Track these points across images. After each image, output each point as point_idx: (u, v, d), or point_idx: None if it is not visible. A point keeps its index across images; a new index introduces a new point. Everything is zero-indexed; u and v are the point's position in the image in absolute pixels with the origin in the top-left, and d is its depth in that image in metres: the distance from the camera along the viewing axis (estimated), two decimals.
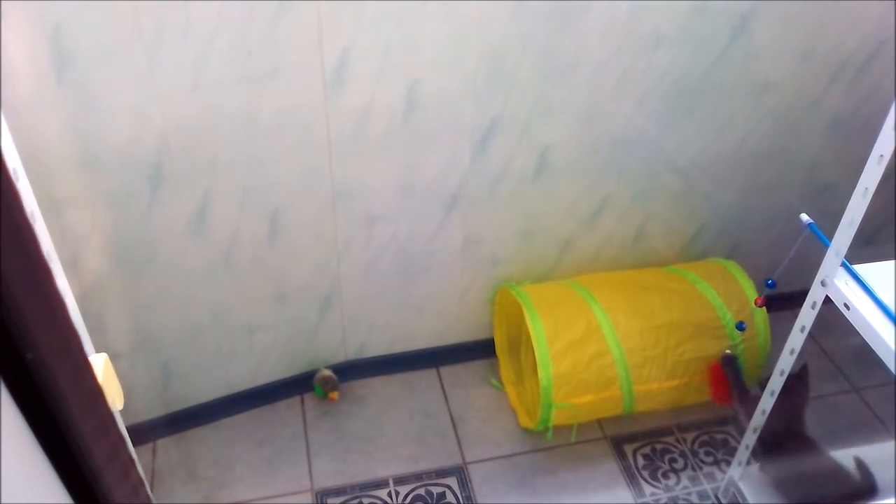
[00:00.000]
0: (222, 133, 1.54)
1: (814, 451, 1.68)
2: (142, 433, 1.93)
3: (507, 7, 1.53)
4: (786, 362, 1.55)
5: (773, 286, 1.59)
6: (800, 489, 1.72)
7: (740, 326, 1.82)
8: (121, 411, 0.89)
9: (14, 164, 0.92)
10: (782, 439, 1.70)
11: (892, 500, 1.23)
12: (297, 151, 1.63)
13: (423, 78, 1.59)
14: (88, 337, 1.07)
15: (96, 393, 0.50)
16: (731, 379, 1.82)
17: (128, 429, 1.34)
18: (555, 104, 1.72)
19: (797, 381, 1.65)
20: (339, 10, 1.45)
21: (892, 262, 1.41)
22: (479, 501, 1.87)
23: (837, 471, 1.64)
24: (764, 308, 1.92)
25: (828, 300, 1.40)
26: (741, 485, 1.80)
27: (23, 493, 0.48)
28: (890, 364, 1.24)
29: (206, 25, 1.39)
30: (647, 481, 1.93)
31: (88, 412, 0.48)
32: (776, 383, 1.60)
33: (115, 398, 0.76)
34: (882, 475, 1.60)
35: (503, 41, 1.58)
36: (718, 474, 1.95)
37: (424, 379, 2.17)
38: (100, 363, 0.72)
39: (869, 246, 2.10)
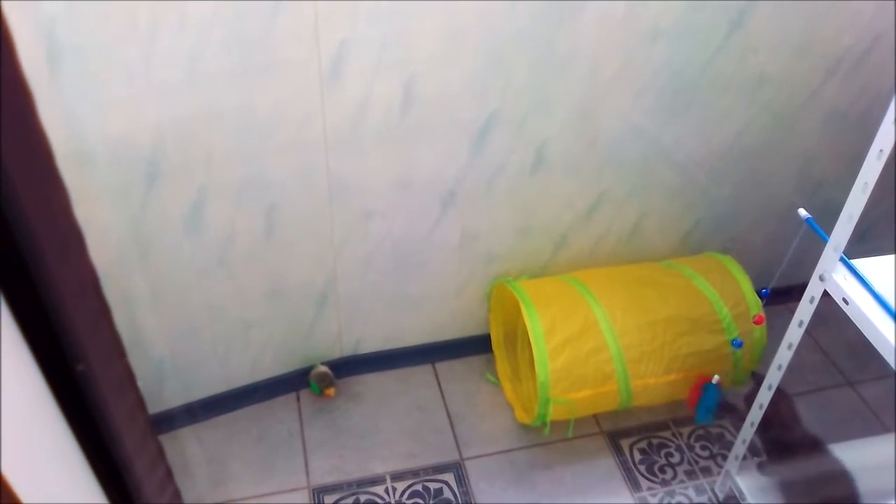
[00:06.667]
0: (218, 128, 1.53)
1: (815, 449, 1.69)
2: None
3: (505, 1, 1.52)
4: (783, 357, 1.56)
5: (766, 295, 1.62)
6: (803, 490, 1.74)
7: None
8: None
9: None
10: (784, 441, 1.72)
11: (893, 502, 1.23)
12: (293, 146, 1.62)
13: (420, 72, 1.58)
14: None
15: (138, 405, 0.49)
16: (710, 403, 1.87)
17: None
18: (552, 99, 1.72)
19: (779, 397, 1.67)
20: (336, 3, 1.44)
21: (890, 256, 1.41)
22: (476, 497, 1.87)
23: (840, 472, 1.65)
24: (759, 301, 1.92)
25: (825, 295, 1.40)
26: (738, 479, 1.80)
27: (64, 492, 0.47)
28: (889, 359, 1.24)
29: (201, 19, 1.37)
30: (643, 476, 1.93)
31: (130, 424, 0.47)
32: (774, 378, 1.60)
33: None
34: (880, 473, 1.61)
35: (501, 35, 1.58)
36: (715, 468, 1.95)
37: (421, 375, 2.17)
38: None
39: (862, 241, 2.11)
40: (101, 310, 0.46)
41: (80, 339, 0.42)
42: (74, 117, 1.39)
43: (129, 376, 0.48)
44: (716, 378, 1.83)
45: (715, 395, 1.85)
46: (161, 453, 0.53)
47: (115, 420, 0.46)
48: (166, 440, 1.96)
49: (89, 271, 0.44)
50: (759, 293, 1.73)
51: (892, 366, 1.23)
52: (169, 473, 0.55)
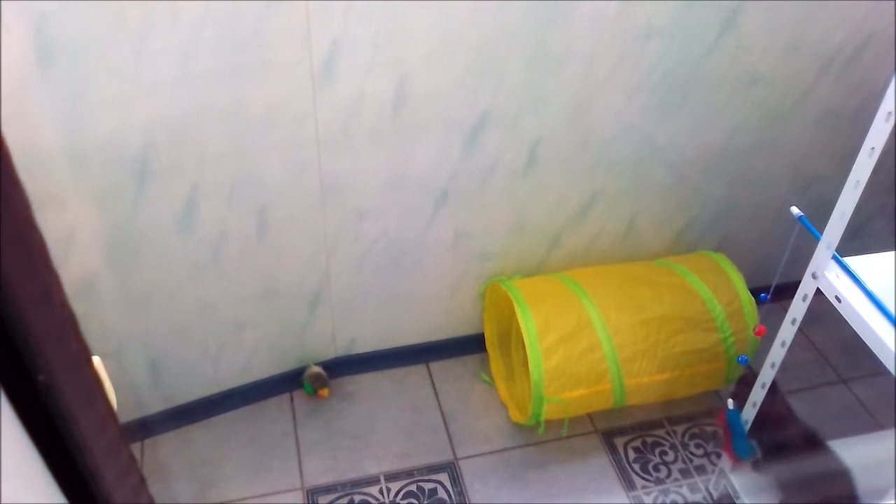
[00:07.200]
0: (210, 127, 1.52)
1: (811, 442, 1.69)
2: (129, 432, 1.91)
3: (497, 0, 1.52)
4: (776, 355, 1.56)
5: (765, 300, 1.55)
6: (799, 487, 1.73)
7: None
8: None
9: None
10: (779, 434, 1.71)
11: (893, 501, 1.23)
12: (286, 146, 1.61)
13: (412, 71, 1.58)
14: None
15: (108, 415, 0.47)
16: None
17: None
18: (545, 97, 1.71)
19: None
20: (328, 2, 1.43)
21: (882, 254, 1.41)
22: (470, 497, 1.86)
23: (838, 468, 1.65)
24: (752, 299, 1.93)
25: (818, 292, 1.40)
26: (732, 477, 1.80)
27: None
28: (882, 357, 1.24)
29: (192, 18, 1.37)
30: (638, 474, 1.93)
31: (99, 434, 0.46)
32: (767, 375, 1.60)
33: None
34: (875, 470, 1.61)
35: (493, 34, 1.57)
36: (709, 466, 1.95)
37: (415, 375, 2.16)
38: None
39: (855, 238, 2.11)
40: (66, 318, 0.44)
41: (43, 349, 0.40)
42: (66, 116, 1.38)
43: (97, 385, 0.46)
44: (730, 403, 1.70)
45: (740, 420, 1.70)
46: (133, 461, 0.51)
47: (82, 431, 0.44)
48: (159, 442, 1.95)
49: (52, 279, 0.42)
50: (758, 300, 1.61)
51: (886, 364, 1.24)
52: (142, 482, 0.54)
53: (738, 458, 1.74)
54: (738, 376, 1.95)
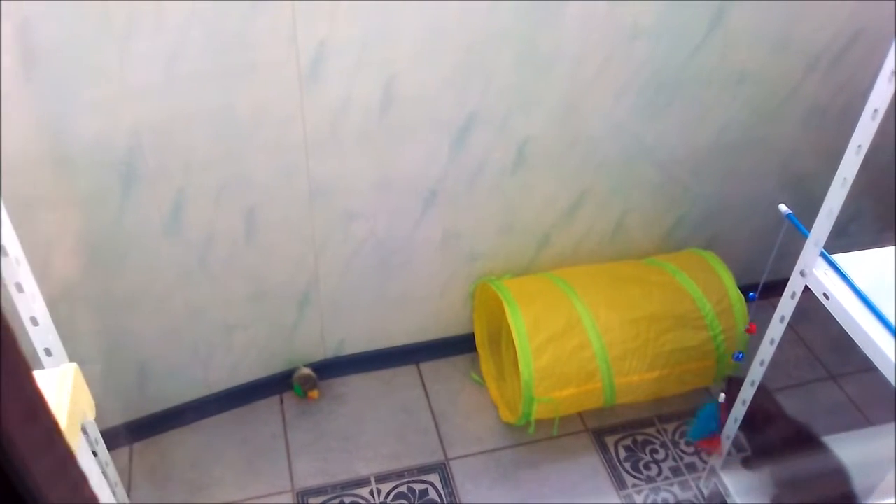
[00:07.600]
0: (196, 130, 1.51)
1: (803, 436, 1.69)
2: (118, 436, 1.89)
3: (486, 0, 1.52)
4: (766, 352, 1.56)
5: (753, 298, 1.55)
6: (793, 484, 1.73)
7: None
8: (96, 414, 0.87)
9: None
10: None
11: (893, 501, 1.24)
12: (273, 148, 1.60)
13: (400, 72, 1.57)
14: (61, 345, 1.04)
15: (53, 432, 0.44)
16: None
17: (104, 433, 1.32)
18: (533, 97, 1.71)
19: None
20: (315, 2, 1.42)
21: (870, 251, 1.42)
22: (461, 497, 1.86)
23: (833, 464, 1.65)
24: (741, 297, 1.93)
25: (807, 290, 1.40)
26: (722, 474, 1.80)
27: None
28: (870, 353, 1.25)
29: (178, 20, 1.36)
30: (629, 473, 1.93)
31: (42, 454, 0.43)
32: (756, 373, 1.60)
33: (85, 410, 0.73)
34: (865, 467, 1.61)
35: (482, 34, 1.57)
36: (700, 465, 1.96)
37: (405, 375, 2.16)
38: (69, 375, 0.69)
39: (843, 236, 2.12)
40: (17, 366, 0.40)
41: None
42: (49, 120, 1.37)
43: (39, 401, 0.43)
44: (721, 397, 1.68)
45: (714, 416, 1.69)
46: (83, 479, 0.48)
47: (21, 452, 0.41)
48: (148, 446, 1.94)
49: None
50: (747, 298, 1.62)
51: (874, 361, 1.24)
52: (94, 499, 0.51)
53: (688, 437, 1.83)
54: (728, 373, 1.96)
